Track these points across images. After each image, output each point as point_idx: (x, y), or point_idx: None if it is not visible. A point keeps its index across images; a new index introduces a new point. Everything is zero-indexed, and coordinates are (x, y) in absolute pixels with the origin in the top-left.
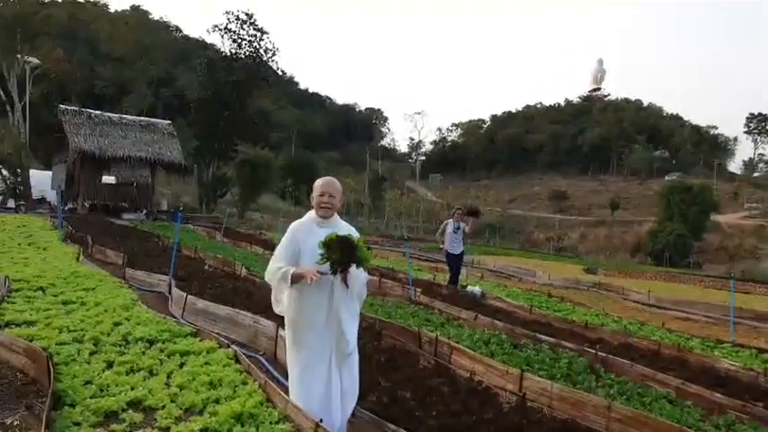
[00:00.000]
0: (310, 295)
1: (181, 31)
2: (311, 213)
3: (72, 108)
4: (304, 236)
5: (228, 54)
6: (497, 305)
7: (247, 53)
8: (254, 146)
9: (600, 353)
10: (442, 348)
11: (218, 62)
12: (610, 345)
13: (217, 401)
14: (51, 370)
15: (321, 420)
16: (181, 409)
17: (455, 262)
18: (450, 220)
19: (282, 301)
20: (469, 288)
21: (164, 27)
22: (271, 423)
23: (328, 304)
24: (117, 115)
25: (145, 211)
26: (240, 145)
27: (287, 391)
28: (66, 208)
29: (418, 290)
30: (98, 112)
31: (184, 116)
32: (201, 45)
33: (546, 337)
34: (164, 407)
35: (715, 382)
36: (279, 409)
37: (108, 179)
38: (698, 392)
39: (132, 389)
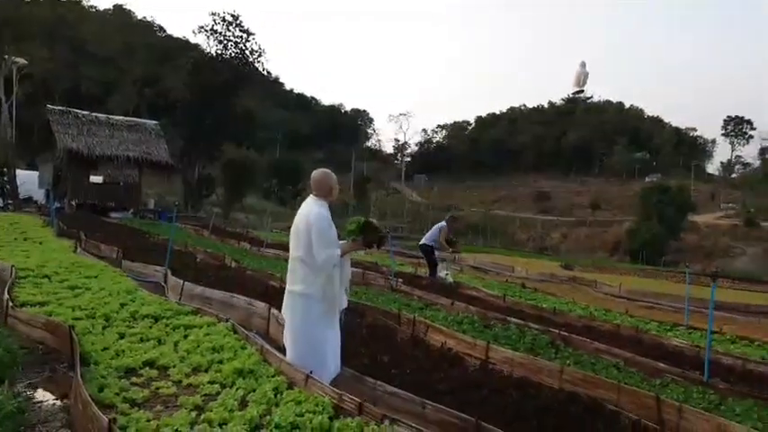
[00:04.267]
0: (339, 270)
1: (165, 31)
2: (323, 203)
3: (59, 108)
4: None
5: (214, 55)
6: (473, 294)
7: (233, 54)
8: (239, 146)
9: (563, 332)
10: (419, 327)
11: (204, 63)
12: (574, 327)
13: (220, 362)
14: (75, 338)
15: (311, 372)
16: (189, 367)
17: (433, 254)
18: (444, 225)
19: (315, 281)
20: (440, 274)
21: (148, 27)
22: (268, 376)
23: (340, 274)
24: (104, 115)
25: (132, 210)
26: (226, 145)
27: (283, 354)
28: (55, 207)
29: (400, 280)
30: (85, 112)
31: (169, 116)
32: (186, 45)
33: (515, 320)
34: (174, 366)
35: (662, 355)
36: (274, 366)
37: (95, 178)
38: (644, 362)
39: (145, 353)
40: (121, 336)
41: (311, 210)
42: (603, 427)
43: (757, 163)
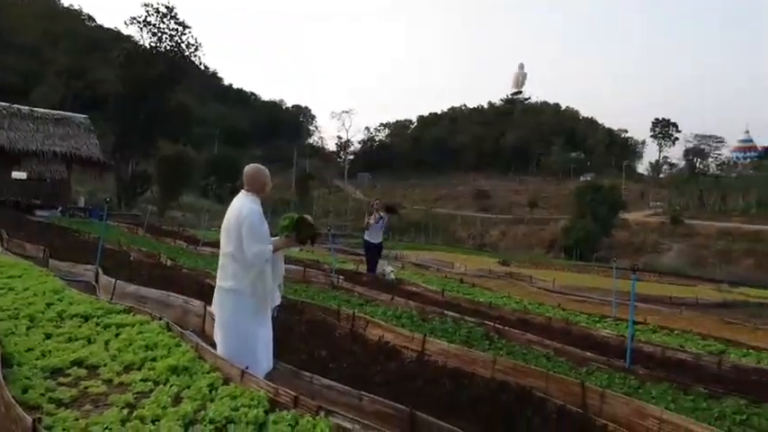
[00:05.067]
0: (271, 266)
1: (94, 20)
2: (254, 199)
3: None
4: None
5: (148, 47)
6: (413, 289)
7: (168, 47)
8: (175, 142)
9: (497, 325)
10: (358, 322)
11: (138, 55)
12: (508, 320)
13: (154, 360)
14: None
15: (247, 367)
16: (121, 366)
17: (373, 251)
18: (374, 214)
19: (246, 277)
20: (380, 269)
21: (74, 15)
22: (203, 373)
23: (272, 270)
24: (27, 108)
25: (60, 208)
26: (161, 141)
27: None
28: None
29: (341, 277)
30: (5, 103)
31: (100, 110)
32: (118, 36)
33: (452, 313)
34: (105, 364)
35: (590, 345)
36: (210, 363)
37: (18, 174)
38: (573, 352)
39: (74, 352)
40: (48, 336)
41: (243, 205)
42: (532, 413)
43: (682, 163)
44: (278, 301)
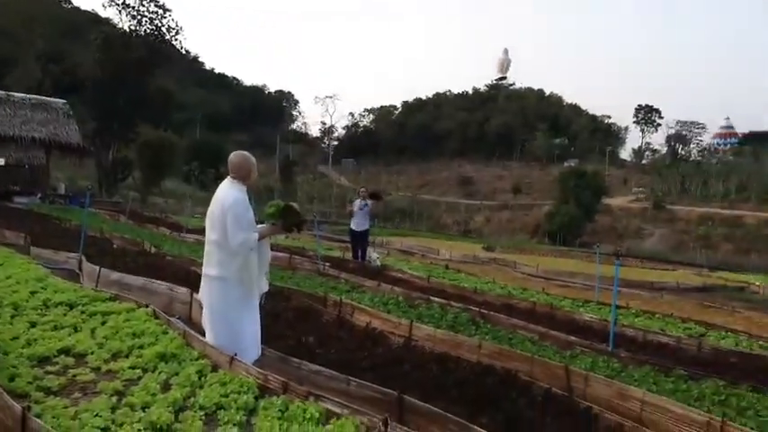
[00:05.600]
0: (258, 253)
1: (70, 2)
2: (240, 187)
3: None
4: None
5: (127, 31)
6: (398, 275)
7: (148, 30)
8: (156, 128)
9: (482, 310)
10: (345, 308)
11: (116, 39)
12: (493, 305)
13: (141, 347)
14: None
15: (236, 354)
16: (108, 353)
17: (358, 238)
18: (358, 200)
19: (232, 264)
20: (369, 257)
21: None
22: (191, 360)
23: (258, 258)
24: (3, 92)
25: (39, 195)
26: (142, 126)
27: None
28: None
29: (327, 264)
30: None
31: (78, 94)
32: (96, 19)
33: (438, 299)
34: (92, 352)
35: (574, 329)
36: (198, 350)
37: None
38: (557, 336)
39: (60, 340)
40: (33, 324)
41: (228, 193)
42: (517, 396)
43: (665, 149)
44: (265, 289)
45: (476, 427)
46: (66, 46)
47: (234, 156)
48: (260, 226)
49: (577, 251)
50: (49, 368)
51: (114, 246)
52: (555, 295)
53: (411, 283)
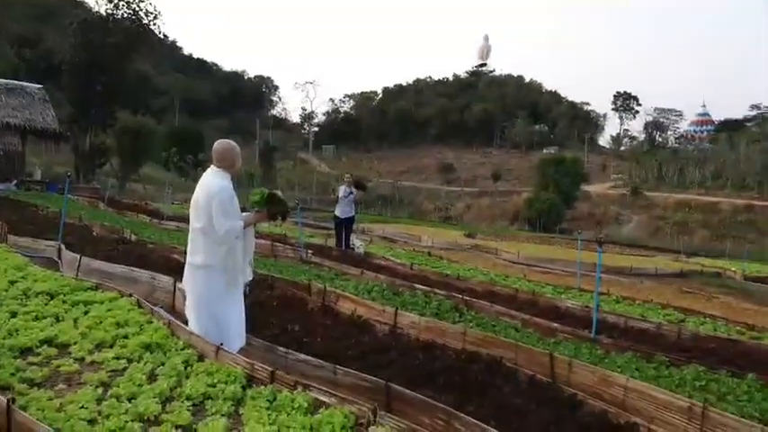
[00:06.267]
0: (242, 242)
1: None
2: (225, 175)
3: None
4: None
5: (104, 15)
6: (382, 263)
7: (126, 15)
8: (134, 113)
9: (466, 297)
10: (329, 296)
11: (93, 23)
12: (476, 292)
13: (125, 337)
14: None
15: (221, 344)
16: (92, 344)
17: (342, 226)
18: (343, 186)
19: (217, 253)
20: (352, 244)
21: None
22: (177, 350)
23: (243, 246)
24: None
25: (15, 182)
26: (120, 112)
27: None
28: None
29: (310, 251)
30: None
31: (54, 79)
32: (72, 3)
33: (421, 287)
34: (75, 343)
35: (556, 316)
36: (183, 339)
37: None
38: (540, 323)
39: (42, 331)
40: (13, 314)
41: (213, 181)
42: (502, 382)
43: (643, 136)
44: (250, 277)
45: (463, 414)
46: (42, 30)
47: (218, 144)
48: (245, 214)
49: (557, 237)
50: (32, 359)
51: (94, 233)
52: (536, 282)
53: (394, 271)
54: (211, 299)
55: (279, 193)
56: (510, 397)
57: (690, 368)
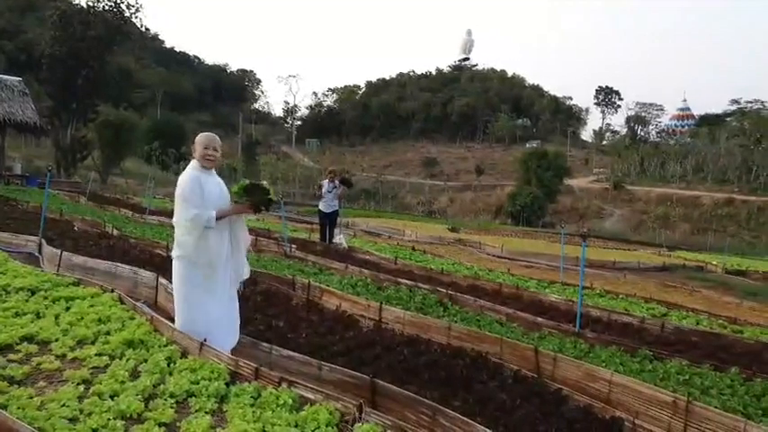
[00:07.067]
0: (218, 234)
1: None
2: (195, 165)
3: None
4: (202, 184)
5: (85, 7)
6: (366, 257)
7: (107, 7)
8: (116, 106)
9: (450, 291)
10: (313, 291)
11: (74, 15)
12: (460, 286)
13: (108, 333)
14: None
15: (205, 340)
16: (74, 340)
17: (326, 220)
18: (326, 180)
19: (188, 243)
20: (336, 239)
21: None
22: (159, 346)
23: (229, 239)
24: None
25: None
26: (101, 105)
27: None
28: None
29: (293, 246)
30: None
31: (34, 72)
32: None
33: (406, 281)
34: (57, 340)
35: (541, 310)
36: (166, 335)
37: None
38: (524, 317)
39: (22, 327)
40: None
41: (183, 172)
42: (488, 377)
43: (624, 131)
44: (247, 275)
45: (448, 410)
46: (22, 22)
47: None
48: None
49: (540, 231)
50: (12, 356)
51: (75, 228)
52: (520, 276)
53: (378, 265)
54: (187, 292)
55: (264, 183)
56: (495, 392)
57: (673, 362)
